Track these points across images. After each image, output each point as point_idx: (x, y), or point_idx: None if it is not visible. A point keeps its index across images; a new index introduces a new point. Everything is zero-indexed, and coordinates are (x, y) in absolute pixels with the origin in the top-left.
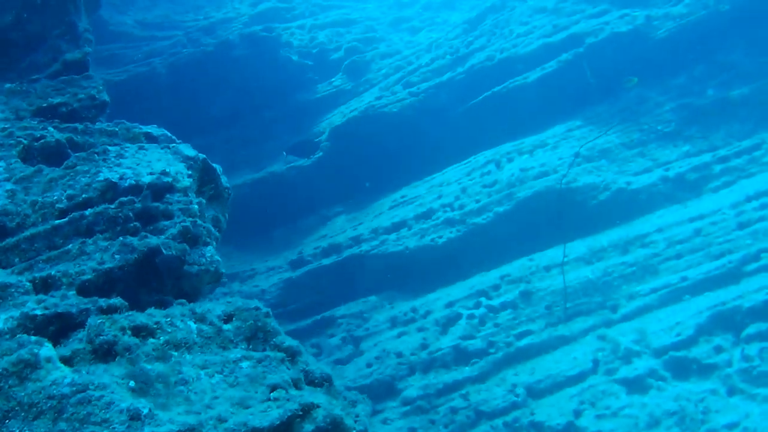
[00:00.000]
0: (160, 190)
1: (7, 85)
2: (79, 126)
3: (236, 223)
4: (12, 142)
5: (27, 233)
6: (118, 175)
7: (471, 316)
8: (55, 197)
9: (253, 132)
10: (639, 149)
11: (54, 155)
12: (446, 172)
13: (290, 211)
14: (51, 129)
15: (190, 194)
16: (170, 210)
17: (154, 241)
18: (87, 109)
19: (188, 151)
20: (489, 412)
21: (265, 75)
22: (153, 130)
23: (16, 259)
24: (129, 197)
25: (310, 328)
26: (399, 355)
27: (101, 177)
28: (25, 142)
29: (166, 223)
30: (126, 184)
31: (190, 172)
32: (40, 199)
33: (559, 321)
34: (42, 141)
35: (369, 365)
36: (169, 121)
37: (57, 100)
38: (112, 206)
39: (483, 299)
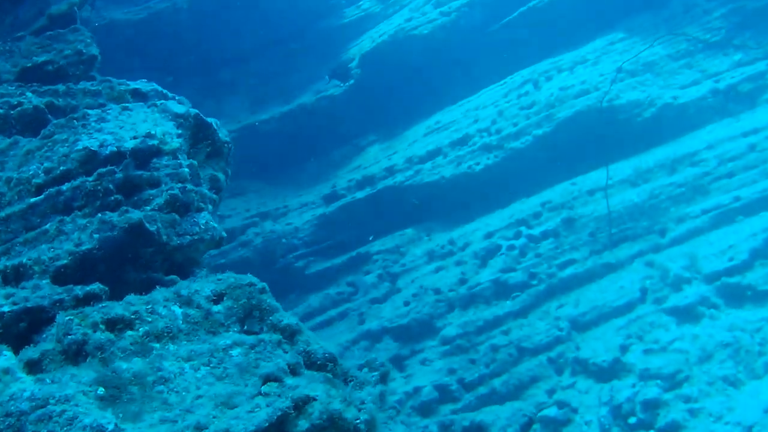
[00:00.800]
0: (146, 154)
1: None
2: (61, 87)
3: (267, 158)
4: None
5: (2, 213)
6: (98, 143)
7: (511, 248)
8: (32, 172)
9: (279, 65)
10: (686, 60)
11: (33, 122)
12: (482, 95)
13: (322, 142)
14: (29, 94)
15: (180, 156)
16: (156, 177)
17: (136, 215)
18: (74, 65)
19: (177, 108)
20: (532, 348)
21: (290, 3)
22: (141, 85)
23: None
24: (109, 167)
25: (345, 265)
26: (437, 291)
27: (80, 146)
28: (1, 111)
29: (152, 192)
30: (107, 152)
31: (180, 131)
32: (15, 176)
33: (604, 248)
34: (19, 109)
35: (406, 303)
36: (193, 59)
37: (42, 58)
38: (90, 179)
39: (523, 228)
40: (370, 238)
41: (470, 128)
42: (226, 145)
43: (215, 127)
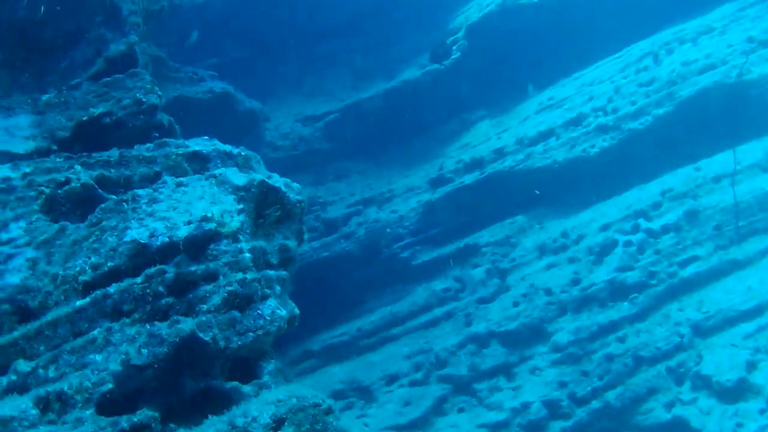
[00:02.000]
0: (202, 241)
1: (45, 97)
2: (114, 155)
3: (372, 136)
4: (32, 193)
5: (49, 317)
6: (148, 233)
7: (628, 243)
8: (78, 268)
9: (380, 36)
10: None
11: (82, 201)
12: (597, 68)
13: (428, 117)
14: (78, 168)
15: (241, 237)
16: (213, 270)
17: (188, 325)
18: (133, 116)
19: (238, 178)
20: (649, 357)
21: None
22: (202, 146)
23: (42, 347)
24: (158, 267)
25: (453, 256)
26: (548, 292)
27: (128, 237)
28: (48, 191)
29: (209, 288)
30: (158, 243)
31: (241, 206)
32: (61, 272)
33: (731, 243)
34: (66, 188)
35: (516, 304)
36: (289, 32)
37: (99, 109)
38: (139, 281)
39: (641, 221)
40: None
41: (584, 107)
42: (298, 204)
43: (284, 189)
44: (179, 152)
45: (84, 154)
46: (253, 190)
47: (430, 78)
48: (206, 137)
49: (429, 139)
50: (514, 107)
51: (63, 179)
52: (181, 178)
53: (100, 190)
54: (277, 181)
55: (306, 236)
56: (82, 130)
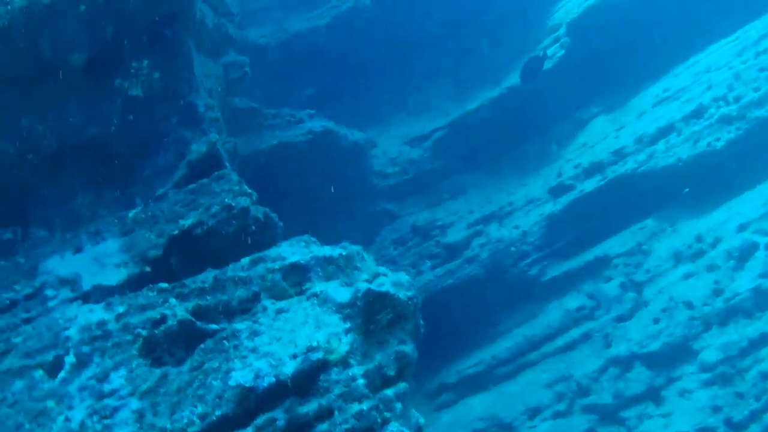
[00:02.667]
0: (310, 373)
1: (131, 213)
2: (207, 281)
3: (483, 146)
4: (129, 337)
5: None
6: (253, 374)
7: None
8: (186, 420)
9: (476, 41)
10: None
11: (180, 339)
12: (711, 53)
13: (539, 119)
14: (172, 301)
15: (351, 361)
16: (325, 407)
17: None
18: (225, 222)
19: (341, 294)
20: None
21: None
22: (300, 255)
23: None
24: (268, 417)
25: (583, 270)
26: (689, 305)
27: (233, 381)
28: (144, 332)
29: (324, 427)
30: (264, 385)
31: (348, 325)
32: (169, 426)
33: None
34: (164, 327)
35: (656, 321)
36: (385, 51)
37: (189, 221)
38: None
39: None
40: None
41: (703, 97)
42: (410, 301)
43: (393, 291)
44: (276, 267)
45: (177, 284)
46: (358, 303)
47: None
48: (303, 240)
49: (543, 143)
50: (628, 101)
51: (158, 316)
52: (281, 303)
53: (198, 323)
54: (384, 283)
55: (429, 264)
56: (174, 245)
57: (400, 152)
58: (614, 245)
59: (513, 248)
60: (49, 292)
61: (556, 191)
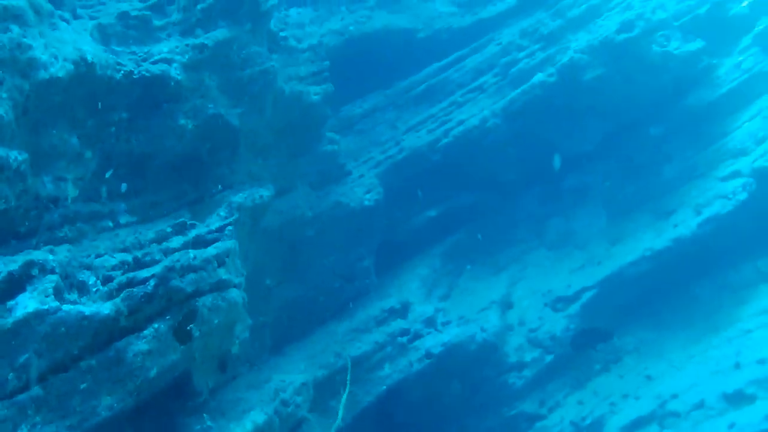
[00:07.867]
0: None
1: None
2: None
3: (642, 302)
4: None
5: None
6: None
7: None
8: None
9: (638, 157)
10: None
11: None
12: None
13: (712, 267)
14: None
15: None
16: None
17: None
18: None
19: None
20: None
21: (636, 82)
22: None
23: None
24: None
25: None
26: None
27: None
28: None
29: None
30: None
31: None
32: None
33: None
34: None
35: None
36: (532, 163)
37: None
38: None
39: None
40: None
41: None
42: None
43: None
44: None
45: None
46: None
47: (708, 228)
48: None
49: (717, 288)
50: None
51: None
52: None
53: None
54: None
55: None
56: None
57: (542, 320)
58: None
59: None
60: None
61: (734, 399)
